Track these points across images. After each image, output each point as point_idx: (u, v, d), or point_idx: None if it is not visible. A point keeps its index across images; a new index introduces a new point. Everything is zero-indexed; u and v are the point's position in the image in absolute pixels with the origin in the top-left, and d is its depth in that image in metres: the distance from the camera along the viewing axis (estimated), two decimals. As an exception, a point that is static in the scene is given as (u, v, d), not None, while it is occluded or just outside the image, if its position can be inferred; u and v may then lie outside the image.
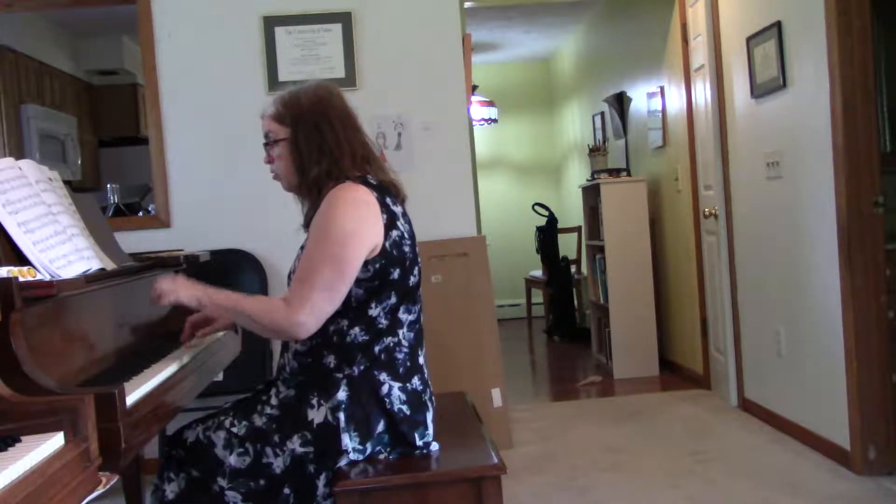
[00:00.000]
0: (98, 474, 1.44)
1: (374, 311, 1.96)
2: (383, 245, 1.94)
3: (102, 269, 2.05)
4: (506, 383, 3.95)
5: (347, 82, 3.91)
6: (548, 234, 7.07)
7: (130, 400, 1.66)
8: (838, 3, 3.17)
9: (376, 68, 3.96)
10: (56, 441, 1.36)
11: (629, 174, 5.65)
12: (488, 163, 8.46)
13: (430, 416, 2.01)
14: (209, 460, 1.92)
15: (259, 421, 1.94)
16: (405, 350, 2.00)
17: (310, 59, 3.90)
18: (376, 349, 1.96)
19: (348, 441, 1.91)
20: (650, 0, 5.28)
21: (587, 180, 5.84)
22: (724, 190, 4.31)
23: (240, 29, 3.91)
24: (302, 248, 2.05)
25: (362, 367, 1.95)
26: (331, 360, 1.96)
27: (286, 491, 1.90)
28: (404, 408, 1.95)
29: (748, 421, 4.07)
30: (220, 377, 2.50)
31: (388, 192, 2.02)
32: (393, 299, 1.98)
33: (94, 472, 1.43)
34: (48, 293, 1.63)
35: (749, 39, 3.89)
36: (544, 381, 5.69)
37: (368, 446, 1.94)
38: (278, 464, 1.90)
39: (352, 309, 1.93)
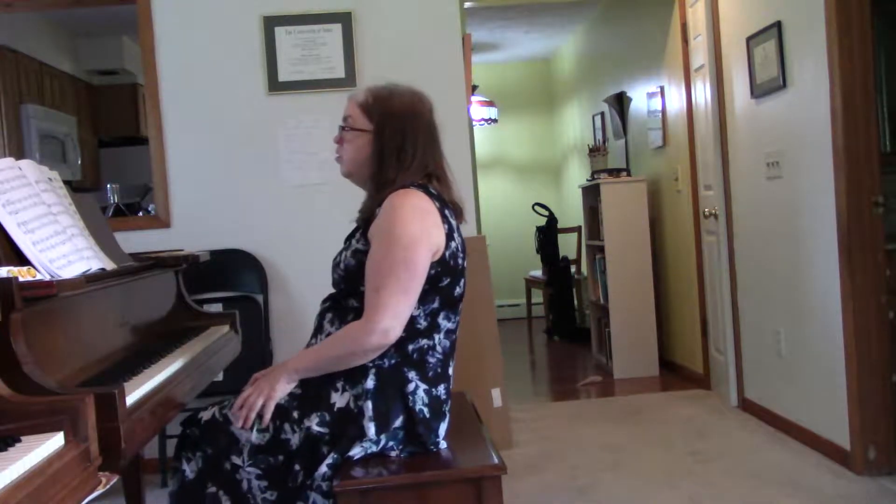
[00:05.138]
0: (98, 474, 1.44)
1: (415, 311, 1.97)
2: (443, 253, 1.97)
3: (102, 269, 2.05)
4: (506, 383, 3.95)
5: (347, 82, 3.91)
6: (548, 234, 7.07)
7: (130, 400, 1.66)
8: (838, 3, 3.17)
9: (376, 68, 3.95)
10: (56, 441, 1.36)
11: (629, 174, 5.65)
12: (488, 163, 8.46)
13: (444, 425, 2.02)
14: (224, 438, 1.92)
15: (280, 398, 1.95)
16: (438, 355, 2.01)
17: (310, 59, 3.90)
18: (410, 347, 1.98)
19: (371, 426, 1.91)
20: (650, 0, 5.28)
21: (587, 180, 5.84)
22: (724, 190, 4.31)
23: (240, 29, 3.91)
24: (348, 239, 2.07)
25: (393, 361, 1.96)
26: None
27: (297, 467, 1.90)
28: (425, 410, 1.96)
29: (748, 421, 4.07)
30: (220, 377, 2.50)
31: (446, 204, 2.05)
32: (436, 304, 2.00)
33: (94, 472, 1.43)
34: (48, 293, 1.63)
35: (749, 39, 3.89)
36: (544, 381, 5.69)
37: (383, 438, 1.94)
38: (294, 440, 1.91)
39: None
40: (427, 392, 1.97)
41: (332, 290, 2.09)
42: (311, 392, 1.95)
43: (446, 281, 2.00)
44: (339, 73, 3.92)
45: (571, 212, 7.70)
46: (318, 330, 2.07)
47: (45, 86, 5.59)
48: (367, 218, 2.01)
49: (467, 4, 4.53)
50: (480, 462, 1.97)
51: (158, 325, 2.46)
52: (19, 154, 4.99)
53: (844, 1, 3.16)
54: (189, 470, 1.95)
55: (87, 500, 1.40)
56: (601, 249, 5.45)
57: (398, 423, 1.94)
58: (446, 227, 1.99)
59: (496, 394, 3.83)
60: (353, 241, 2.03)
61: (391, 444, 1.96)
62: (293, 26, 3.89)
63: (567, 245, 7.30)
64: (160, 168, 3.90)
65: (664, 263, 5.44)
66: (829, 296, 3.34)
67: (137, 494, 2.79)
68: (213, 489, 1.92)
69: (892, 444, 3.21)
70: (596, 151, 5.95)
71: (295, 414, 1.92)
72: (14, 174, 1.91)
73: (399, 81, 2.13)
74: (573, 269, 7.12)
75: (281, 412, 1.93)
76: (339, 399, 1.93)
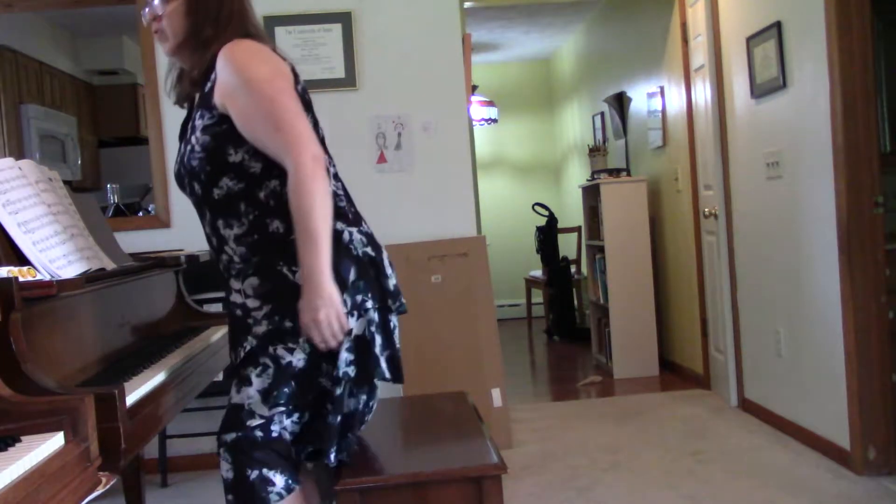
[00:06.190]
0: (98, 474, 1.45)
1: None
2: (295, 88, 1.86)
3: (102, 269, 2.05)
4: (506, 383, 3.95)
5: (347, 82, 3.92)
6: (548, 234, 7.08)
7: (130, 400, 1.67)
8: (838, 3, 3.17)
9: (376, 68, 3.96)
10: (56, 441, 1.36)
11: (629, 174, 5.65)
12: (488, 163, 8.47)
13: (385, 256, 1.94)
14: (235, 415, 1.84)
15: (259, 328, 1.81)
16: (343, 199, 1.93)
17: (310, 59, 3.90)
18: None
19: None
20: (650, 0, 5.28)
21: (587, 180, 5.84)
22: (724, 190, 4.31)
23: (240, 29, 3.91)
24: (184, 131, 1.92)
25: None
26: (278, 226, 1.83)
27: (327, 367, 1.81)
28: (367, 250, 1.88)
29: (748, 421, 4.07)
30: (219, 377, 2.50)
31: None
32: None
33: (94, 472, 1.43)
34: (48, 293, 1.63)
35: (749, 39, 3.89)
36: (544, 381, 5.69)
37: (347, 298, 1.81)
38: (297, 360, 1.81)
39: (277, 166, 1.81)
40: (360, 232, 1.89)
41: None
42: (269, 296, 1.81)
43: (309, 118, 1.87)
44: (339, 73, 3.92)
45: (571, 212, 7.70)
46: (222, 242, 1.88)
47: (45, 86, 5.59)
48: (202, 91, 1.87)
49: (467, 4, 4.53)
50: (481, 461, 1.97)
51: (158, 325, 2.46)
52: (19, 154, 4.99)
53: (844, 1, 3.16)
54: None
55: (87, 500, 1.40)
56: (601, 249, 5.45)
57: (353, 275, 1.84)
58: (287, 63, 1.87)
59: (496, 394, 3.83)
60: (197, 122, 1.86)
61: (359, 298, 1.85)
62: (293, 26, 3.89)
63: (567, 245, 7.30)
64: (160, 168, 3.90)
65: (664, 263, 5.44)
66: (829, 296, 3.34)
67: (137, 494, 2.79)
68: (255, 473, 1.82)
69: (892, 444, 3.21)
70: (596, 151, 5.95)
71: (287, 333, 1.79)
72: (14, 174, 1.91)
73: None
74: (573, 269, 7.12)
75: (264, 345, 1.80)
76: (299, 280, 1.78)
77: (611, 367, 5.35)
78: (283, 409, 1.81)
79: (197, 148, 1.84)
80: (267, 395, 1.80)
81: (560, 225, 7.20)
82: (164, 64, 4.00)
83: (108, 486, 1.45)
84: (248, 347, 1.81)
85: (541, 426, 4.21)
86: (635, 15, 5.71)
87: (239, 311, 1.85)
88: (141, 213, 4.45)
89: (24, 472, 1.23)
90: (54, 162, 5.31)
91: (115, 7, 4.45)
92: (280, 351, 1.79)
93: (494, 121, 8.00)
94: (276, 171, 1.81)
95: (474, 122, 6.77)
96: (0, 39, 5.06)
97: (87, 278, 1.87)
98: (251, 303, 1.82)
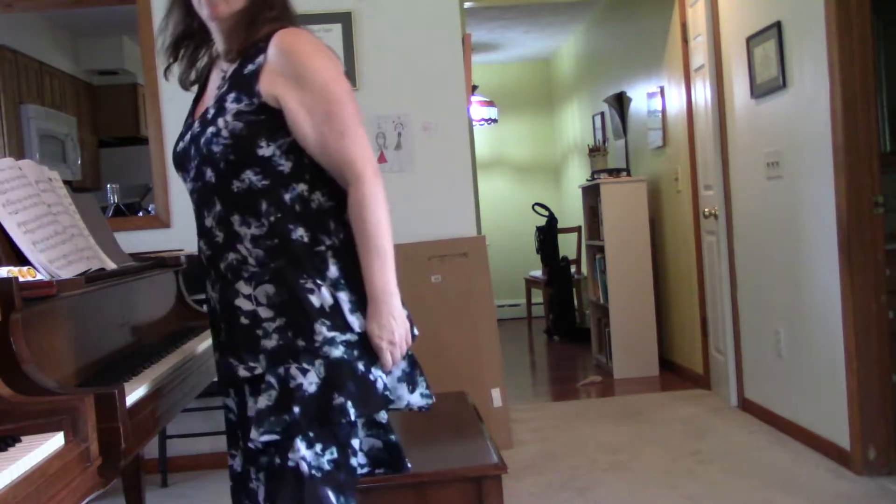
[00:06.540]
0: (98, 474, 1.45)
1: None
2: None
3: (102, 269, 2.05)
4: (506, 383, 3.95)
5: (347, 82, 3.91)
6: (548, 234, 7.08)
7: (130, 400, 1.66)
8: (838, 3, 3.17)
9: (376, 68, 3.96)
10: (56, 441, 1.36)
11: (629, 174, 5.65)
12: (488, 163, 8.47)
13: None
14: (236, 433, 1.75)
15: (268, 342, 1.63)
16: None
17: (310, 59, 3.90)
18: (346, 216, 1.70)
19: (355, 320, 1.66)
20: (650, 0, 5.28)
21: (587, 180, 5.84)
22: (724, 190, 4.31)
23: (240, 29, 3.90)
24: (195, 111, 1.79)
25: (342, 236, 1.69)
26: (302, 234, 1.65)
27: (338, 399, 1.59)
28: None
29: (748, 421, 4.07)
30: (219, 377, 2.50)
31: None
32: None
33: (94, 472, 1.43)
34: (48, 293, 1.63)
35: (749, 39, 3.89)
36: (544, 381, 5.69)
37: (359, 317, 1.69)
38: (310, 382, 1.60)
39: (308, 169, 1.67)
40: None
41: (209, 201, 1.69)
42: (287, 310, 1.63)
43: None
44: (339, 73, 3.91)
45: (571, 212, 7.70)
46: (234, 239, 1.67)
47: (45, 86, 5.60)
48: (238, 73, 1.67)
49: (467, 4, 4.53)
50: (481, 461, 1.97)
51: (158, 325, 2.46)
52: (19, 154, 5.00)
53: (844, 1, 3.16)
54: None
55: (87, 500, 1.40)
56: (601, 249, 5.45)
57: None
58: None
59: (496, 394, 3.83)
60: (229, 105, 1.65)
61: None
62: (293, 26, 3.89)
63: (567, 245, 7.31)
64: (160, 168, 3.90)
65: (664, 263, 5.44)
66: (828, 295, 3.34)
67: (137, 494, 2.79)
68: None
69: (892, 444, 3.21)
70: (596, 151, 5.95)
71: (302, 352, 1.61)
72: (14, 174, 1.91)
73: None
74: (573, 269, 7.13)
75: (276, 357, 1.62)
76: (323, 298, 1.63)
77: (611, 367, 5.35)
78: (276, 437, 1.60)
79: (224, 133, 1.63)
80: (261, 419, 1.60)
81: (560, 225, 7.20)
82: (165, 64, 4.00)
83: (107, 486, 1.45)
84: (258, 369, 1.63)
85: (541, 426, 4.21)
86: (635, 15, 5.71)
87: (246, 319, 1.65)
88: (141, 213, 4.45)
89: (25, 472, 1.23)
90: (54, 162, 5.31)
91: (115, 7, 4.45)
92: (293, 370, 1.60)
93: (494, 121, 8.00)
94: (306, 174, 1.66)
95: (474, 122, 6.77)
96: (0, 39, 5.06)
97: (87, 278, 1.87)
98: (264, 312, 1.64)
